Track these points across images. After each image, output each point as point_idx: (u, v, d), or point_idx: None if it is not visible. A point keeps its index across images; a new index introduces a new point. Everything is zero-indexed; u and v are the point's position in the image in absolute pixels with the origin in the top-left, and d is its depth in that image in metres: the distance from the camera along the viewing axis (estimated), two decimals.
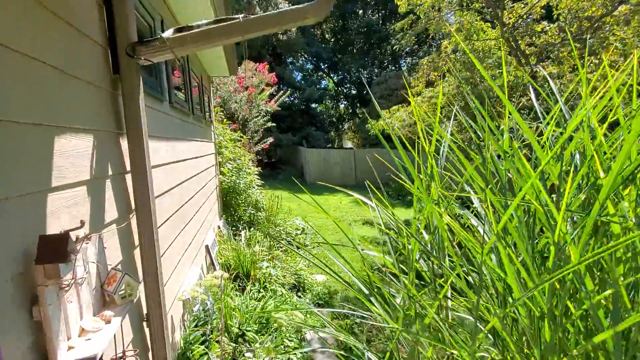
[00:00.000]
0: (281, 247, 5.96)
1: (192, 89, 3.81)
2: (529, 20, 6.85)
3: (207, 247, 4.06)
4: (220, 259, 4.62)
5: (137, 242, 1.75)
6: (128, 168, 1.71)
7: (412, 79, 8.27)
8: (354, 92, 25.10)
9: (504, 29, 6.38)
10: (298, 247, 6.32)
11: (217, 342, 3.03)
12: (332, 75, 25.26)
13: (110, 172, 1.53)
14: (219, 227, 5.48)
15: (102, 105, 1.55)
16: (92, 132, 1.41)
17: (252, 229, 6.44)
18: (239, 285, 4.44)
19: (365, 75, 23.34)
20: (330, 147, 21.88)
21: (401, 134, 8.18)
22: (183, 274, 2.80)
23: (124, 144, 1.70)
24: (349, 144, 28.40)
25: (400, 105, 9.12)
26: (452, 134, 6.53)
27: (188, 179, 3.38)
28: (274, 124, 11.41)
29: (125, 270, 1.64)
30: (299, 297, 4.56)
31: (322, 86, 22.85)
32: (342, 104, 26.97)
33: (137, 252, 1.76)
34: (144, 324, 1.80)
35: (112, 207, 1.54)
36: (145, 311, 1.80)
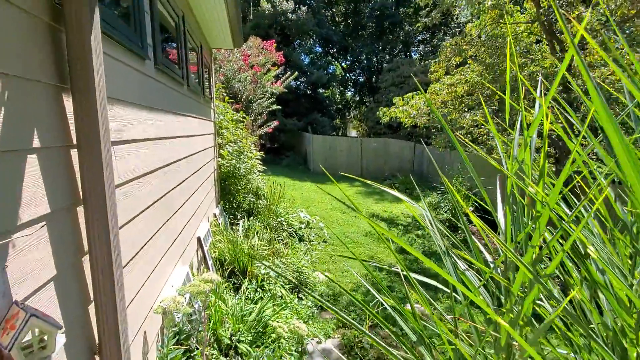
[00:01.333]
0: (282, 240, 5.48)
1: (187, 55, 3.25)
2: (563, 3, 6.19)
3: (199, 239, 3.57)
4: (214, 252, 4.13)
5: (86, 246, 1.23)
6: (74, 140, 1.18)
7: (433, 62, 7.63)
8: (362, 79, 24.30)
9: (540, 11, 5.73)
10: (301, 240, 5.83)
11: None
12: (341, 60, 24.44)
13: (37, 144, 1.01)
14: (214, 216, 4.98)
15: (32, 41, 1.01)
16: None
17: (252, 218, 5.95)
18: (233, 284, 3.97)
19: (375, 62, 22.53)
20: (335, 135, 21.27)
21: (419, 122, 7.62)
22: (164, 278, 2.30)
23: (68, 104, 1.17)
24: (353, 133, 27.75)
25: (414, 92, 8.50)
26: (477, 125, 5.86)
27: (178, 160, 2.86)
28: (279, 107, 10.80)
29: (65, 287, 1.13)
30: (300, 298, 4.09)
31: (330, 71, 22.05)
32: (349, 91, 26.22)
33: (86, 261, 1.25)
34: (96, 358, 1.30)
35: (39, 198, 1.01)
36: (97, 340, 1.29)
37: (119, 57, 1.64)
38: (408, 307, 3.91)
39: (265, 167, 6.91)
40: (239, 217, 5.89)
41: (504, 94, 5.97)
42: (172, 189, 2.64)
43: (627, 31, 5.78)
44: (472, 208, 8.00)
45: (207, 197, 4.44)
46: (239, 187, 6.14)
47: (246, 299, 3.73)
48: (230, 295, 3.73)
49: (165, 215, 2.42)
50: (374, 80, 21.90)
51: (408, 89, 14.89)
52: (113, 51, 1.57)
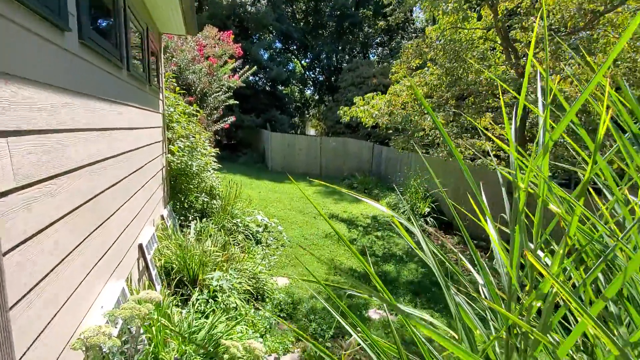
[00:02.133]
0: (238, 244, 5.11)
1: (128, 35, 2.80)
2: (520, 13, 6.46)
3: (140, 246, 3.13)
4: (160, 259, 3.69)
5: None
6: None
7: (395, 62, 7.62)
8: (321, 78, 24.21)
9: (497, 18, 5.89)
10: (258, 243, 5.50)
11: None
12: (300, 57, 24.16)
13: None
14: (162, 218, 4.50)
15: None
16: None
17: (205, 219, 5.51)
18: (181, 295, 3.56)
19: (335, 62, 22.53)
20: (294, 133, 20.95)
21: (380, 123, 7.57)
22: (89, 300, 1.90)
23: None
24: (312, 132, 27.61)
25: (375, 93, 8.47)
26: (437, 127, 5.94)
27: (114, 156, 2.44)
28: (236, 102, 10.30)
29: None
30: (257, 308, 3.78)
31: (290, 68, 21.69)
32: (309, 89, 26.02)
33: None
34: None
35: None
36: None
37: (21, 22, 1.25)
38: (371, 313, 3.71)
39: (220, 165, 6.46)
40: (190, 218, 5.43)
41: (462, 98, 6.00)
42: (105, 190, 2.23)
43: (573, 40, 6.13)
44: (429, 209, 8.14)
45: (152, 198, 3.98)
46: (191, 186, 5.65)
47: (196, 312, 3.35)
48: (177, 309, 3.33)
49: (94, 222, 2.01)
50: (334, 79, 21.88)
51: (367, 90, 14.98)
52: (11, 12, 1.18)
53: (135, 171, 3.07)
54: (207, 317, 3.24)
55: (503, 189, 1.08)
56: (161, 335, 2.56)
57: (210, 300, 3.47)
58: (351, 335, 3.52)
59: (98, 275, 2.07)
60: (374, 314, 4.07)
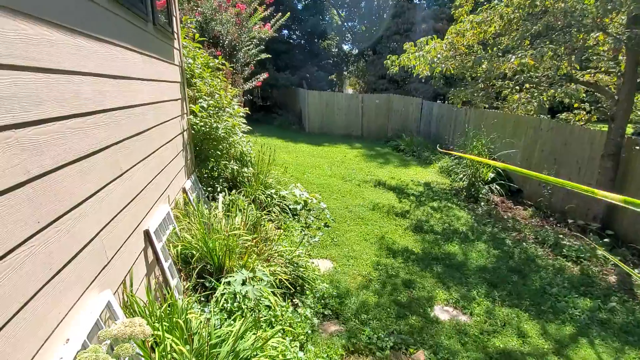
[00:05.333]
0: (272, 220, 4.40)
1: None
2: None
3: (147, 234, 2.44)
4: (177, 244, 3.04)
5: None
6: None
7: None
8: (361, 28, 22.14)
9: None
10: (295, 216, 4.76)
11: None
12: (338, 6, 22.10)
13: None
14: (184, 190, 3.85)
15: None
16: None
17: (235, 190, 4.84)
18: (204, 288, 2.93)
19: (376, 8, 20.32)
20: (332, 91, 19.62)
21: (442, 69, 6.30)
22: (44, 330, 1.20)
23: None
24: (349, 91, 25.97)
25: (429, 37, 7.06)
26: (524, 69, 4.59)
27: (78, 115, 1.67)
28: (269, 56, 9.29)
29: None
30: (296, 305, 3.07)
31: (327, 20, 19.90)
32: (347, 44, 24.06)
33: None
34: None
35: None
36: None
37: None
38: (437, 311, 2.78)
39: (250, 127, 5.66)
40: (218, 189, 4.77)
41: (549, 31, 4.49)
42: (58, 167, 1.48)
43: None
44: (493, 175, 6.94)
45: (168, 169, 3.28)
46: (218, 152, 4.93)
47: (221, 309, 2.71)
48: (198, 306, 2.70)
49: (41, 215, 1.28)
50: (375, 30, 19.85)
51: (415, 38, 13.21)
52: None
53: (129, 137, 2.31)
54: (234, 320, 2.58)
55: None
56: (168, 358, 1.90)
57: (237, 295, 2.80)
58: (416, 347, 2.73)
59: (60, 290, 1.38)
60: (440, 312, 3.23)
